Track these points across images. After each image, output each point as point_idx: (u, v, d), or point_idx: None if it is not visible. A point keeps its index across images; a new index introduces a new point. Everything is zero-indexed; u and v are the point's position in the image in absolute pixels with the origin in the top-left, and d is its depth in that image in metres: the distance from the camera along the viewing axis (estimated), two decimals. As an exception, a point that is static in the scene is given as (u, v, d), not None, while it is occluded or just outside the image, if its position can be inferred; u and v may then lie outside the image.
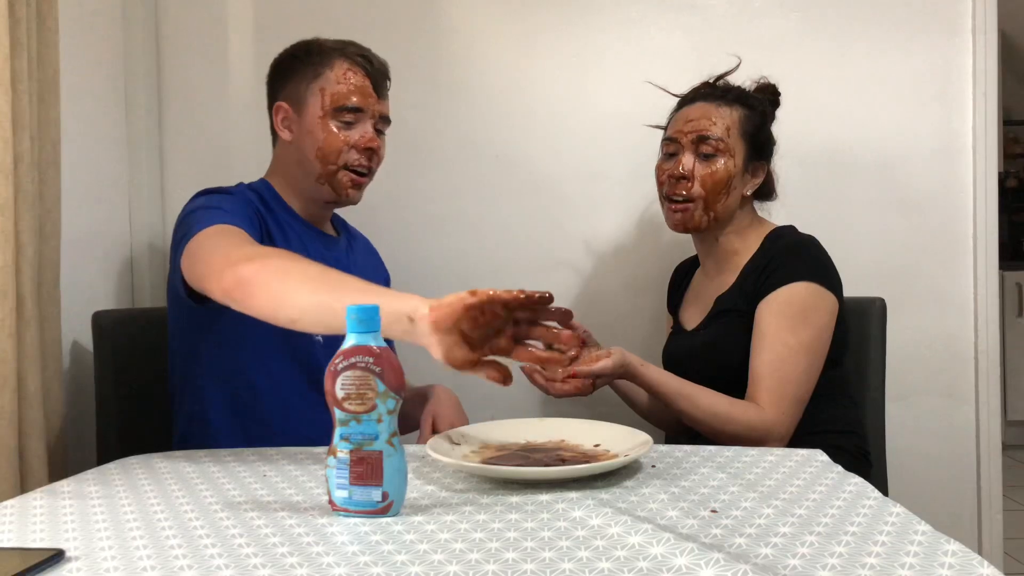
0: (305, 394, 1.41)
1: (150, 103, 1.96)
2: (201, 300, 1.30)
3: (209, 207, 1.34)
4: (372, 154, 1.46)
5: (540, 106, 1.97)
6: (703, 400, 1.41)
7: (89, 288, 1.76)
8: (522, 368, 1.39)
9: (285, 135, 1.47)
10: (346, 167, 1.45)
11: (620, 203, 1.96)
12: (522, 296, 0.96)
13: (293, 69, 1.46)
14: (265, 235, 1.40)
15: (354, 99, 1.43)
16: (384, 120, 1.49)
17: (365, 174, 1.48)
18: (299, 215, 1.50)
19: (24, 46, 1.37)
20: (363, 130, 1.45)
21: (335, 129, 1.43)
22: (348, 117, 1.43)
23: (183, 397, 1.47)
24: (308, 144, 1.44)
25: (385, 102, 1.49)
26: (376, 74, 1.47)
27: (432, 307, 0.96)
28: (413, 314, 0.97)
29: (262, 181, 1.52)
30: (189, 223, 1.32)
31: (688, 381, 1.43)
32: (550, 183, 1.97)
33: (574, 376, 1.38)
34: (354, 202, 1.50)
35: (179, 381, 1.48)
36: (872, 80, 1.92)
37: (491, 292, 0.95)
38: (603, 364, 1.38)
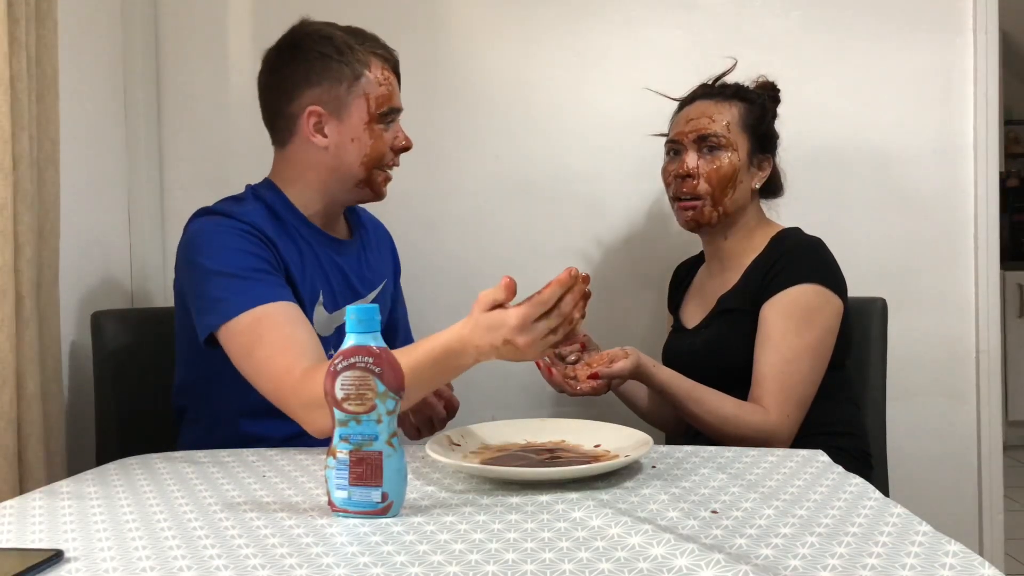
0: None
1: (149, 103, 1.96)
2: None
3: (233, 274, 1.29)
4: (404, 151, 1.46)
5: (540, 105, 1.97)
6: (711, 403, 1.41)
7: (88, 288, 1.75)
8: (537, 363, 1.40)
9: (319, 140, 1.38)
10: (382, 167, 1.43)
11: (621, 202, 1.96)
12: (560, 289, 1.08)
13: (325, 69, 1.37)
14: (277, 260, 1.36)
15: (395, 101, 1.42)
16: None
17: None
18: (309, 221, 1.45)
19: (23, 46, 1.36)
20: (396, 129, 1.44)
21: (381, 134, 1.41)
22: (390, 119, 1.42)
23: (196, 421, 1.47)
24: (352, 150, 1.39)
25: None
26: (398, 67, 1.45)
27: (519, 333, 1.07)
28: (499, 344, 1.08)
29: (270, 187, 1.45)
30: (212, 286, 1.29)
31: (698, 384, 1.43)
32: (550, 182, 1.97)
33: (596, 377, 1.38)
34: (384, 198, 1.48)
35: (191, 402, 1.47)
36: (872, 80, 1.91)
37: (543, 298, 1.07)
38: (622, 365, 1.39)
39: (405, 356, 1.12)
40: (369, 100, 1.38)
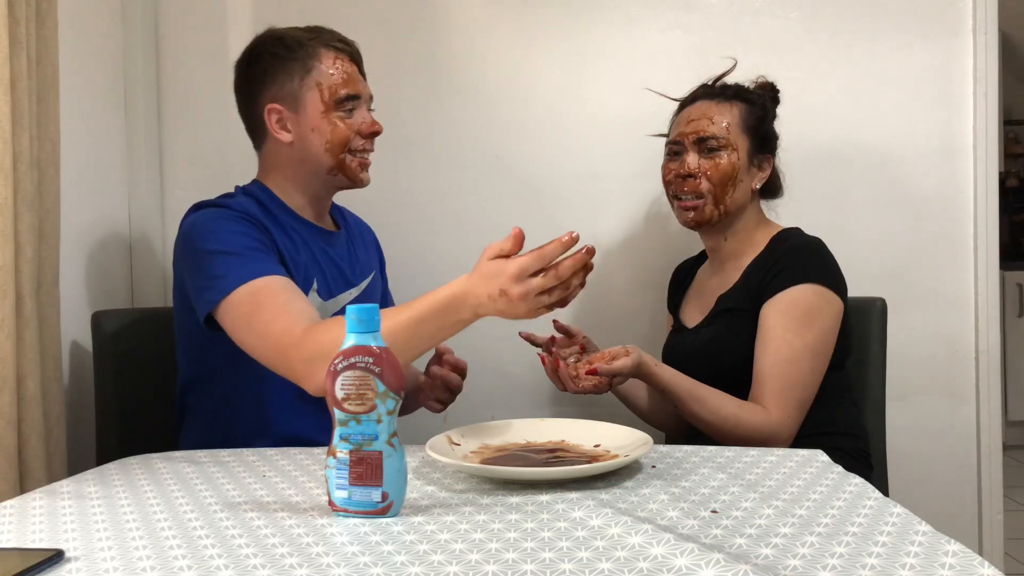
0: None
1: (149, 103, 1.96)
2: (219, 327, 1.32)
3: (231, 252, 1.32)
4: (375, 136, 1.49)
5: (540, 105, 1.97)
6: (713, 402, 1.41)
7: (89, 288, 1.75)
8: (542, 359, 1.41)
9: (283, 136, 1.44)
10: (351, 152, 1.46)
11: (620, 203, 1.96)
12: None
13: (277, 67, 1.43)
14: (272, 244, 1.40)
15: (351, 87, 1.45)
16: (371, 100, 1.51)
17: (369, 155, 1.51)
18: (298, 214, 1.49)
19: (24, 46, 1.37)
20: (362, 115, 1.47)
21: (339, 121, 1.44)
22: (348, 106, 1.45)
23: (198, 418, 1.47)
24: (314, 140, 1.44)
25: (366, 82, 1.51)
26: (357, 56, 1.49)
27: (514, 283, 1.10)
28: (496, 295, 1.11)
29: (257, 184, 1.50)
30: (211, 265, 1.31)
31: (699, 383, 1.43)
32: (550, 183, 1.97)
33: (595, 372, 1.38)
34: (366, 183, 1.51)
35: (194, 399, 1.47)
36: (872, 80, 1.91)
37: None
38: (623, 362, 1.39)
39: (407, 309, 1.17)
40: (322, 89, 1.43)
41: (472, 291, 1.13)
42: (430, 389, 1.50)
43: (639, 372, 1.41)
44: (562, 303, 1.13)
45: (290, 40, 1.44)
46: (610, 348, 1.43)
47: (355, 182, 1.49)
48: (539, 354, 1.44)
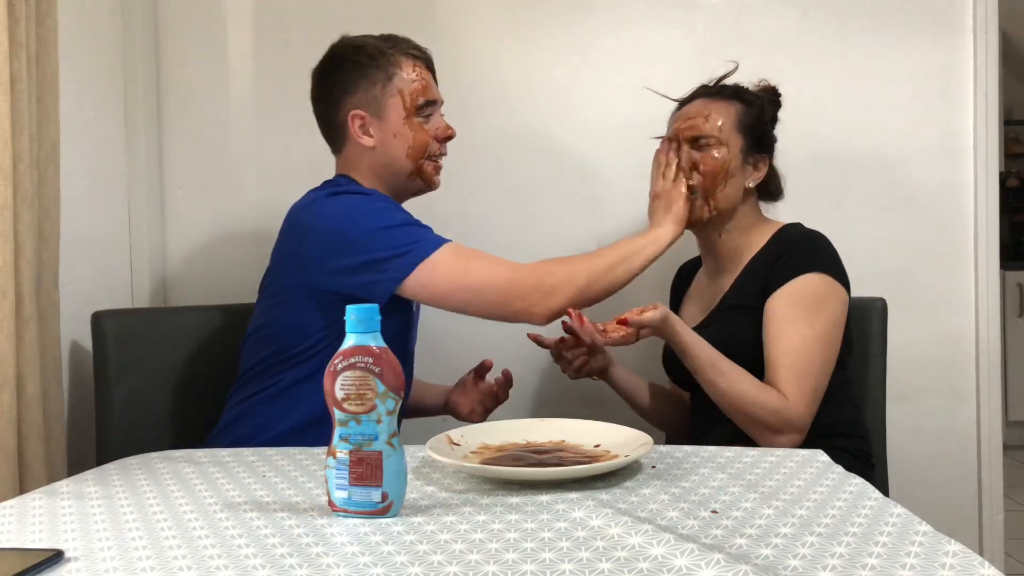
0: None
1: (149, 103, 1.96)
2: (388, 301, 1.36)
3: (412, 223, 1.40)
4: (449, 140, 1.55)
5: (540, 105, 1.97)
6: (732, 376, 1.40)
7: (88, 288, 1.75)
8: (570, 314, 1.42)
9: (366, 141, 1.49)
10: (429, 158, 1.52)
11: (621, 202, 1.96)
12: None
13: (360, 75, 1.48)
14: None
15: (429, 94, 1.51)
16: (442, 104, 1.56)
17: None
18: None
19: (23, 46, 1.37)
20: (437, 121, 1.53)
21: (421, 127, 1.49)
22: (427, 111, 1.51)
23: (276, 398, 1.46)
24: (397, 145, 1.49)
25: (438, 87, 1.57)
26: (431, 63, 1.55)
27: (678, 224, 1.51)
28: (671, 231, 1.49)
29: (347, 178, 1.51)
30: (395, 237, 1.36)
31: (722, 354, 1.41)
32: (550, 183, 1.97)
33: (624, 322, 1.38)
34: (438, 186, 1.56)
35: (279, 376, 1.45)
36: (873, 80, 1.91)
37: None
38: (651, 315, 1.38)
39: (615, 246, 1.49)
40: (404, 96, 1.48)
41: (650, 227, 1.50)
42: (486, 397, 1.61)
43: (664, 328, 1.40)
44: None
45: (371, 48, 1.50)
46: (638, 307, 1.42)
47: (430, 185, 1.55)
48: (563, 321, 1.46)
